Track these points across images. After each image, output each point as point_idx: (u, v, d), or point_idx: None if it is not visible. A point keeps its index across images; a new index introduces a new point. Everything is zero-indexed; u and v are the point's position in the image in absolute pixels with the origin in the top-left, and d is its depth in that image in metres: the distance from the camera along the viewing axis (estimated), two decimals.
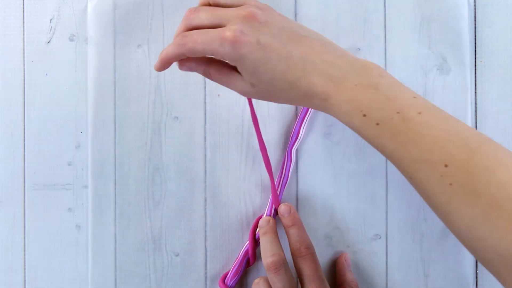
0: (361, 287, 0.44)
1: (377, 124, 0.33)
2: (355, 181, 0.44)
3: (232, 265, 0.43)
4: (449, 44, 0.44)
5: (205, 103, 0.45)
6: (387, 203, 0.44)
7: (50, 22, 0.45)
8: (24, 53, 0.45)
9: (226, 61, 0.36)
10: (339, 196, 0.44)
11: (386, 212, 0.44)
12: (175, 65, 0.44)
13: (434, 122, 0.32)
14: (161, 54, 0.36)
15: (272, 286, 0.39)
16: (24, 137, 0.45)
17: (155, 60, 0.44)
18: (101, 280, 0.44)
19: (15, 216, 0.45)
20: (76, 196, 0.45)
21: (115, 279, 0.44)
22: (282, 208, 0.42)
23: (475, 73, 0.45)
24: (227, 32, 0.34)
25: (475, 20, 0.45)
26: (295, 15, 0.44)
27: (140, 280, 0.44)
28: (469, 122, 0.44)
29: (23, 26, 0.45)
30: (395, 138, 0.32)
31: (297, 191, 0.45)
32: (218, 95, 0.44)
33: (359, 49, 0.44)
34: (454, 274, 0.44)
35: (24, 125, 0.45)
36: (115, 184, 0.44)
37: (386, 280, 0.44)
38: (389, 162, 0.44)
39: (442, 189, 0.31)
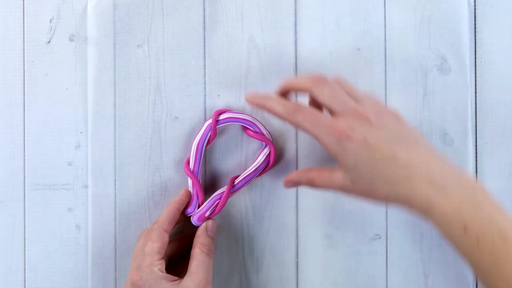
0: (361, 287, 0.44)
1: (477, 240, 0.33)
2: None
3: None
4: (449, 44, 0.44)
5: (205, 103, 0.45)
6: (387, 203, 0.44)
7: (50, 22, 0.45)
8: (24, 53, 0.45)
9: (325, 168, 0.39)
10: (339, 196, 0.44)
11: (386, 212, 0.44)
12: (174, 63, 0.44)
13: None
14: (267, 101, 0.38)
15: None
16: (24, 137, 0.45)
17: (155, 60, 0.44)
18: (101, 280, 0.44)
19: (15, 216, 0.45)
20: (76, 196, 0.45)
21: (115, 279, 0.44)
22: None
23: (475, 73, 0.45)
24: (337, 124, 0.35)
25: (475, 20, 0.45)
26: (295, 15, 0.45)
27: None
28: (469, 122, 0.44)
29: (23, 26, 0.45)
30: (493, 255, 0.33)
31: (297, 191, 0.45)
32: (218, 95, 0.44)
33: (359, 49, 0.44)
34: (454, 274, 0.44)
35: (24, 125, 0.45)
36: (115, 184, 0.44)
37: (386, 280, 0.44)
38: None
39: None
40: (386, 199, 0.36)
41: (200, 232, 0.41)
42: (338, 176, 0.37)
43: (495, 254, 0.33)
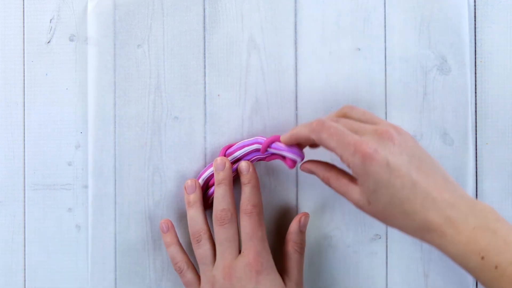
0: (361, 287, 0.44)
1: (496, 267, 0.33)
2: None
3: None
4: (449, 44, 0.44)
5: (205, 103, 0.45)
6: None
7: (50, 22, 0.45)
8: (24, 53, 0.45)
9: (345, 170, 0.38)
10: (339, 196, 0.44)
11: None
12: (174, 63, 0.44)
13: None
14: (293, 129, 0.39)
15: (216, 237, 0.40)
16: (24, 137, 0.45)
17: (155, 60, 0.44)
18: (101, 280, 0.44)
19: (15, 216, 0.45)
20: (76, 196, 0.45)
21: (115, 279, 0.44)
22: (242, 165, 0.42)
23: (475, 73, 0.45)
24: (363, 145, 0.35)
25: (475, 20, 0.45)
26: (295, 15, 0.45)
27: (140, 280, 0.44)
28: (469, 122, 0.44)
29: (23, 26, 0.45)
30: None
31: (297, 191, 0.45)
32: (218, 95, 0.45)
33: (359, 49, 0.44)
34: (454, 274, 0.44)
35: (24, 125, 0.45)
36: (115, 184, 0.44)
37: (386, 280, 0.44)
38: None
39: None
40: (401, 226, 0.36)
41: (293, 229, 0.42)
42: (355, 191, 0.37)
43: None
